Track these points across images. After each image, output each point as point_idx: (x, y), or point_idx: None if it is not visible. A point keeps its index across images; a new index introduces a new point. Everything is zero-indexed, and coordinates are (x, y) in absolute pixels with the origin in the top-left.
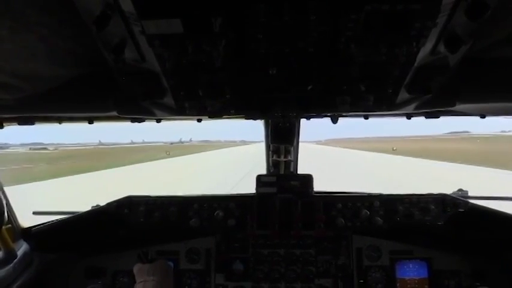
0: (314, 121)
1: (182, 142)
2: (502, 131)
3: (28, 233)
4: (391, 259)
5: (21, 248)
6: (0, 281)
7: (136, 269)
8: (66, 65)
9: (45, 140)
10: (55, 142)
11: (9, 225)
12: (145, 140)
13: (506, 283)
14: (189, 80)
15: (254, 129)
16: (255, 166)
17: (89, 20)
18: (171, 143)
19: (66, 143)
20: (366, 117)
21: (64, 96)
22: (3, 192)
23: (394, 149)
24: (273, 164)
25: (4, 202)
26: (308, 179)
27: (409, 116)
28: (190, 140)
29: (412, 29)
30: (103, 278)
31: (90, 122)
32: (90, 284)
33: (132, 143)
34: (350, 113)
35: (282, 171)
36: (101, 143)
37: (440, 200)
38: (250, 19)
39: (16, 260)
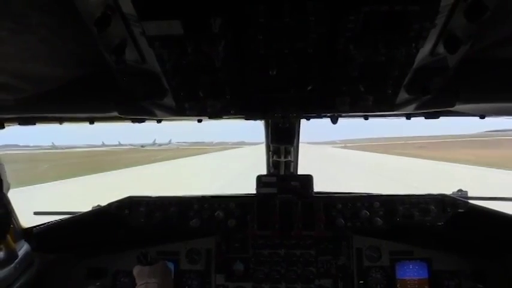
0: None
1: (160, 145)
2: None
3: (29, 233)
4: (391, 259)
5: (22, 248)
6: (1, 281)
7: (136, 271)
8: (67, 66)
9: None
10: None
11: (11, 226)
12: (121, 142)
13: (506, 284)
14: (190, 81)
15: (254, 130)
16: None
17: (90, 21)
18: (142, 146)
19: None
20: (366, 118)
21: (65, 96)
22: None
23: None
24: (273, 165)
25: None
26: (308, 179)
27: (408, 117)
28: (170, 142)
29: (411, 30)
30: (104, 278)
31: (91, 123)
32: (91, 284)
33: (104, 145)
34: (350, 114)
35: (282, 172)
36: (54, 146)
37: (440, 200)
38: (249, 20)
39: (17, 260)
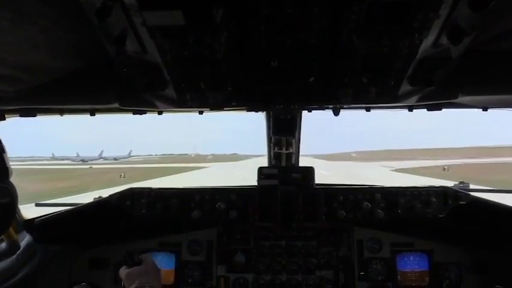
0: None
1: (116, 158)
2: None
3: (31, 225)
4: (392, 251)
5: (24, 239)
6: (3, 272)
7: (124, 273)
8: (68, 57)
9: None
10: None
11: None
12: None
13: (508, 275)
14: (191, 72)
15: (249, 140)
16: None
17: (90, 11)
18: (83, 160)
19: None
20: (368, 110)
21: (66, 88)
22: None
23: None
24: (274, 156)
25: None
26: (309, 171)
27: (411, 109)
28: (129, 155)
29: (414, 21)
30: (106, 269)
31: (92, 114)
32: (93, 275)
33: (54, 157)
34: (352, 105)
35: (283, 164)
36: None
37: (442, 192)
38: (252, 11)
39: (19, 251)
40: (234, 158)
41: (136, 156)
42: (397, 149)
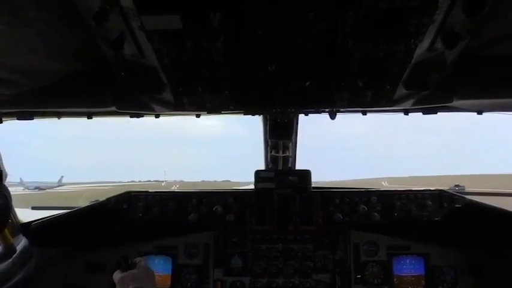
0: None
1: (41, 188)
2: None
3: (27, 228)
4: (388, 254)
5: (21, 243)
6: None
7: (117, 277)
8: (65, 60)
9: None
10: None
11: (9, 220)
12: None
13: (503, 278)
14: (188, 76)
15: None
16: None
17: (88, 15)
18: None
19: None
20: (364, 113)
21: (63, 91)
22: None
23: None
24: (271, 160)
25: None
26: (306, 174)
27: (406, 112)
28: (60, 183)
29: (409, 26)
30: (102, 272)
31: (89, 117)
32: (89, 278)
33: None
34: (348, 109)
35: (280, 167)
36: None
37: (437, 195)
38: (249, 15)
39: (15, 254)
40: (224, 186)
41: (75, 184)
42: (424, 175)
